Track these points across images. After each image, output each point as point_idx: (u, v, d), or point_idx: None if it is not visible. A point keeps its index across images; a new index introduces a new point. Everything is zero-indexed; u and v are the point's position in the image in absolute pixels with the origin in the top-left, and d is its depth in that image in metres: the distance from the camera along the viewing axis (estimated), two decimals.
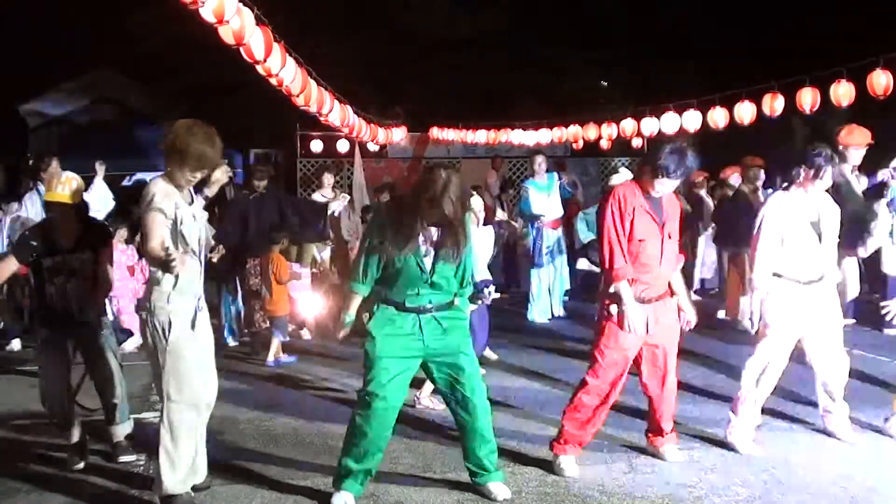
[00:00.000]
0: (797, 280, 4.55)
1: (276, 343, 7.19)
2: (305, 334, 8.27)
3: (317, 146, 14.07)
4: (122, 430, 4.57)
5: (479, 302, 6.38)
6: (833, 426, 4.77)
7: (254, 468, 4.36)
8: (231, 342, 7.84)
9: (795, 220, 4.53)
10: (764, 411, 4.93)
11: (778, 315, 4.55)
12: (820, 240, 4.54)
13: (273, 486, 4.09)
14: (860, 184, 6.44)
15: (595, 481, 4.12)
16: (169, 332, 3.67)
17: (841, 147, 6.45)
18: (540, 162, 9.72)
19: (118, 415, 4.55)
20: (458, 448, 4.58)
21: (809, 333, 4.61)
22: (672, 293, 4.36)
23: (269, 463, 4.46)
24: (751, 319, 4.71)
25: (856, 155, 6.39)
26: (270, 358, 7.14)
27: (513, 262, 10.94)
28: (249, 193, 7.83)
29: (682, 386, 4.90)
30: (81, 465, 4.42)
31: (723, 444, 4.65)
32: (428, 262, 3.82)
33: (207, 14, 5.30)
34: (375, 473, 4.03)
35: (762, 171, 8.87)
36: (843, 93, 8.08)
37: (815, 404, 4.92)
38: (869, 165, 7.18)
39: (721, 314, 8.69)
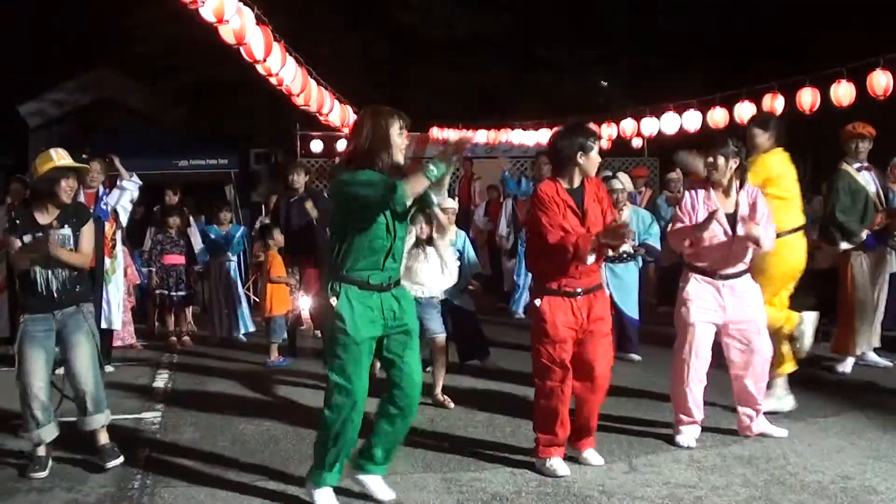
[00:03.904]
0: (712, 273, 4.61)
1: (273, 345, 7.20)
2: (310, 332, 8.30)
3: (317, 146, 14.04)
4: (98, 420, 4.42)
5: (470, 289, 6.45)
6: (759, 427, 4.78)
7: (254, 468, 4.36)
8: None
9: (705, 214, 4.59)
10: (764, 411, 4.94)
11: (690, 308, 4.63)
12: (733, 233, 4.58)
13: (273, 486, 4.09)
14: (865, 180, 6.38)
15: (595, 481, 4.12)
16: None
17: (843, 144, 6.47)
18: (543, 162, 9.81)
19: (91, 404, 4.39)
20: (458, 448, 4.60)
21: (725, 327, 4.66)
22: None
23: (269, 463, 4.46)
24: None
25: (857, 148, 6.36)
26: (271, 358, 7.15)
27: (497, 261, 10.98)
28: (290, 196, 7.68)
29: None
30: (44, 474, 4.29)
31: (723, 444, 4.65)
32: (390, 223, 3.72)
33: (207, 14, 5.30)
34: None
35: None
36: (843, 93, 8.08)
37: (816, 404, 4.92)
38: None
39: None
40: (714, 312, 4.63)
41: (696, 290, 4.65)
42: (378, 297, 3.75)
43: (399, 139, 3.77)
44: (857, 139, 6.36)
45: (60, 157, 4.44)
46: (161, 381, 6.62)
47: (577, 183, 4.26)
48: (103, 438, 4.49)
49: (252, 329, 8.54)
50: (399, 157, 3.79)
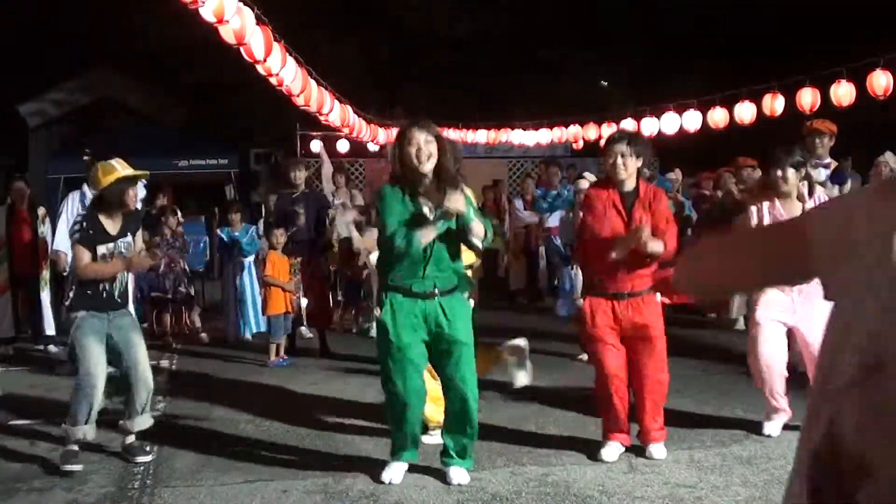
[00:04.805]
0: None
1: (272, 345, 7.20)
2: (306, 333, 8.28)
3: (317, 146, 14.06)
4: (146, 420, 4.58)
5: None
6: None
7: (254, 468, 4.36)
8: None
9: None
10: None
11: (758, 308, 4.68)
12: None
13: (273, 486, 4.09)
14: (819, 178, 6.33)
15: (595, 481, 4.12)
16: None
17: (803, 140, 6.43)
18: (553, 173, 10.01)
19: (149, 403, 4.57)
20: None
21: (796, 330, 4.70)
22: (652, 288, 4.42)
23: (269, 463, 4.46)
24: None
25: (815, 144, 6.31)
26: (271, 358, 7.16)
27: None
28: (291, 192, 7.68)
29: (681, 385, 4.91)
30: (80, 467, 4.36)
31: (723, 444, 4.65)
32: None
33: (207, 14, 5.29)
34: (377, 468, 4.09)
35: (756, 172, 8.86)
36: (843, 93, 8.08)
37: None
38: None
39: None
40: (782, 312, 4.65)
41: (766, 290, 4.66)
42: (422, 304, 3.92)
43: (413, 147, 3.89)
44: (816, 135, 6.35)
45: (124, 166, 4.56)
46: (161, 381, 6.60)
47: (628, 187, 4.37)
48: (132, 437, 4.62)
49: (263, 329, 8.49)
50: (419, 163, 3.89)
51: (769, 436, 4.68)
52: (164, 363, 7.39)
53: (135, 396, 4.52)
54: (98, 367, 4.38)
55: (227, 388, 6.31)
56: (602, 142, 4.67)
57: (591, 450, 4.50)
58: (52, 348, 7.71)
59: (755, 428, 4.90)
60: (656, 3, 17.27)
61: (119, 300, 4.54)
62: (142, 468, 4.41)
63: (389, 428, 4.22)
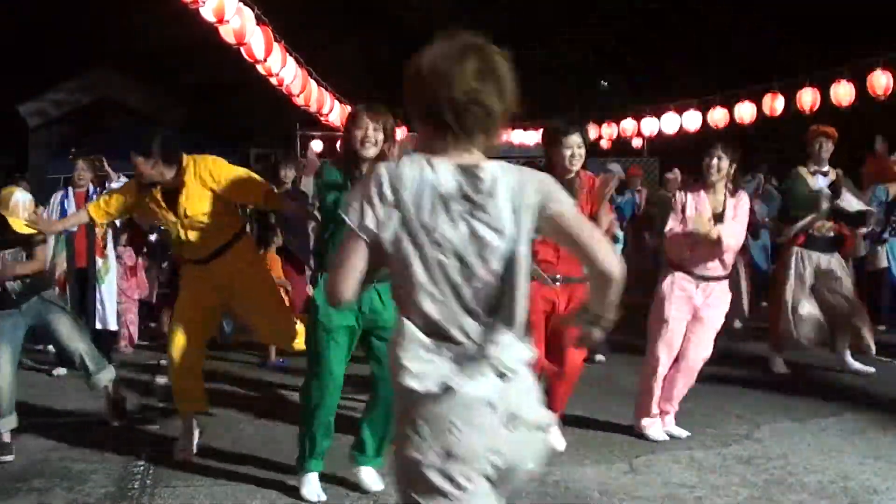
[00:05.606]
0: (690, 271, 4.60)
1: (272, 345, 7.17)
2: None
3: (317, 146, 14.07)
4: (106, 375, 4.80)
5: None
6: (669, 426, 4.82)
7: (254, 468, 4.36)
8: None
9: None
10: (765, 411, 4.94)
11: (665, 305, 4.63)
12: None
13: (273, 486, 4.09)
14: (818, 186, 6.14)
15: (595, 481, 4.12)
16: None
17: (808, 145, 6.28)
18: None
19: (91, 362, 4.75)
20: None
21: (689, 328, 4.68)
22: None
23: (269, 463, 4.46)
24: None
25: (821, 148, 6.13)
26: (270, 358, 7.14)
27: None
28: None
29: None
30: (11, 458, 4.51)
31: (723, 444, 4.65)
32: None
33: (208, 14, 5.30)
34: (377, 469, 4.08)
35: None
36: (843, 93, 8.09)
37: (815, 404, 4.92)
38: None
39: None
40: (687, 309, 4.64)
41: (675, 286, 4.63)
42: None
43: (359, 131, 3.79)
44: (822, 138, 6.06)
45: (19, 223, 4.63)
46: (161, 380, 6.61)
47: (569, 175, 4.17)
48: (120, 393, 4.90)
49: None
50: (362, 147, 3.78)
51: (660, 440, 4.70)
52: (164, 362, 7.37)
53: (79, 365, 4.78)
54: None
55: (227, 388, 6.30)
56: (560, 132, 4.33)
57: (591, 450, 4.50)
58: (51, 348, 7.69)
59: (755, 428, 4.91)
60: (656, 4, 17.28)
61: (17, 298, 4.67)
62: (142, 468, 4.41)
63: (300, 426, 4.02)
